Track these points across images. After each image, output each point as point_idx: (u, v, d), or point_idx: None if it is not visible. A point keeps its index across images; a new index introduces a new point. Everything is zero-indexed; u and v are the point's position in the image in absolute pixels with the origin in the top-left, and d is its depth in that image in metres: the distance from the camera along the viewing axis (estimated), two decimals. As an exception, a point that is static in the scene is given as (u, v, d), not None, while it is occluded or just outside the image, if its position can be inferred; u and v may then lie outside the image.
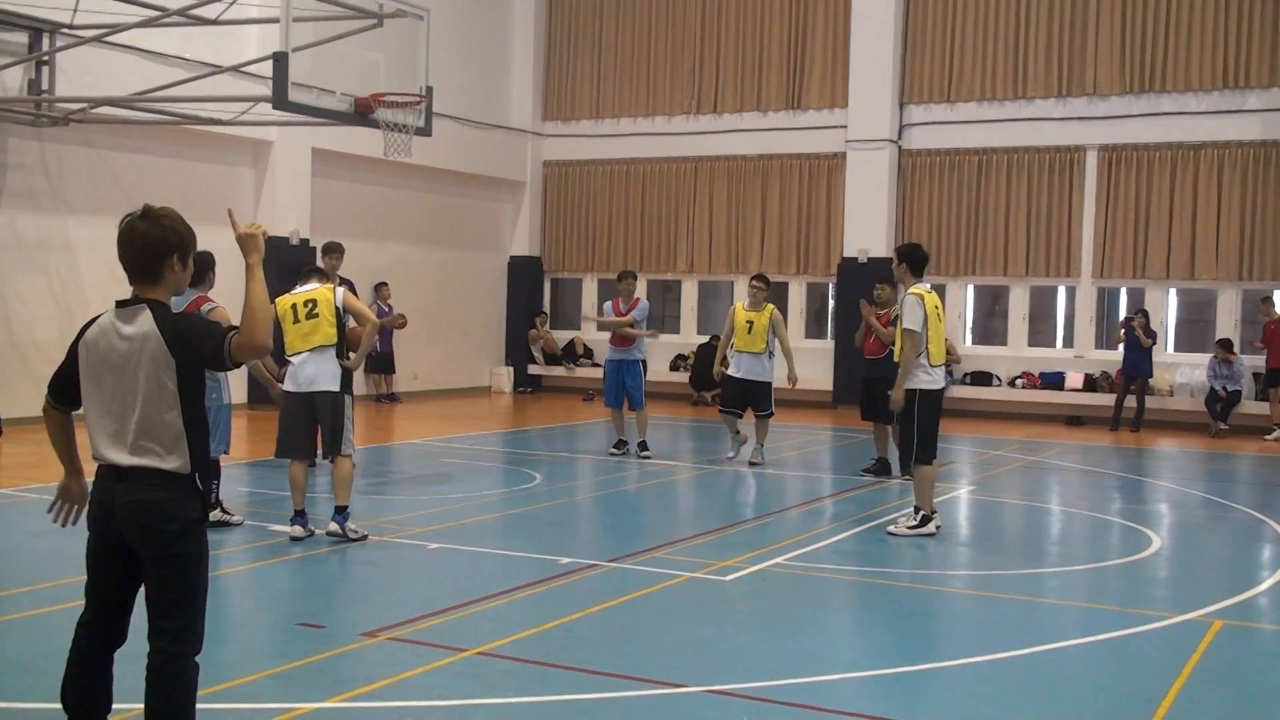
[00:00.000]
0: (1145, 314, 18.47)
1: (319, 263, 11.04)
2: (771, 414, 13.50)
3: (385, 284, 19.76)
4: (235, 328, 4.14)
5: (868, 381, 12.82)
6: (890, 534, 9.42)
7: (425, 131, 13.47)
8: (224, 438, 9.08)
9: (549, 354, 23.33)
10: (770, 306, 13.47)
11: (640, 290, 23.01)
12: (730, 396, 13.56)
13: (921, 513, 9.44)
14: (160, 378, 4.08)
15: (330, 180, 19.38)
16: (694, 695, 5.58)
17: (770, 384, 13.41)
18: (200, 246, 8.39)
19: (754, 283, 13.54)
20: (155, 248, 4.13)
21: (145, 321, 4.10)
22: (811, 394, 21.09)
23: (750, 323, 13.31)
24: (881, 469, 12.81)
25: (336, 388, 8.72)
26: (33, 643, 6.19)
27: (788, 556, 8.66)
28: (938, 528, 9.48)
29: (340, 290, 8.85)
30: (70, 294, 15.63)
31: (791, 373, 13.51)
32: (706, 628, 6.78)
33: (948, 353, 10.50)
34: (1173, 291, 19.98)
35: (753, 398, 13.42)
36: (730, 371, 13.53)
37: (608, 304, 14.10)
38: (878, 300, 12.94)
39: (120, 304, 4.18)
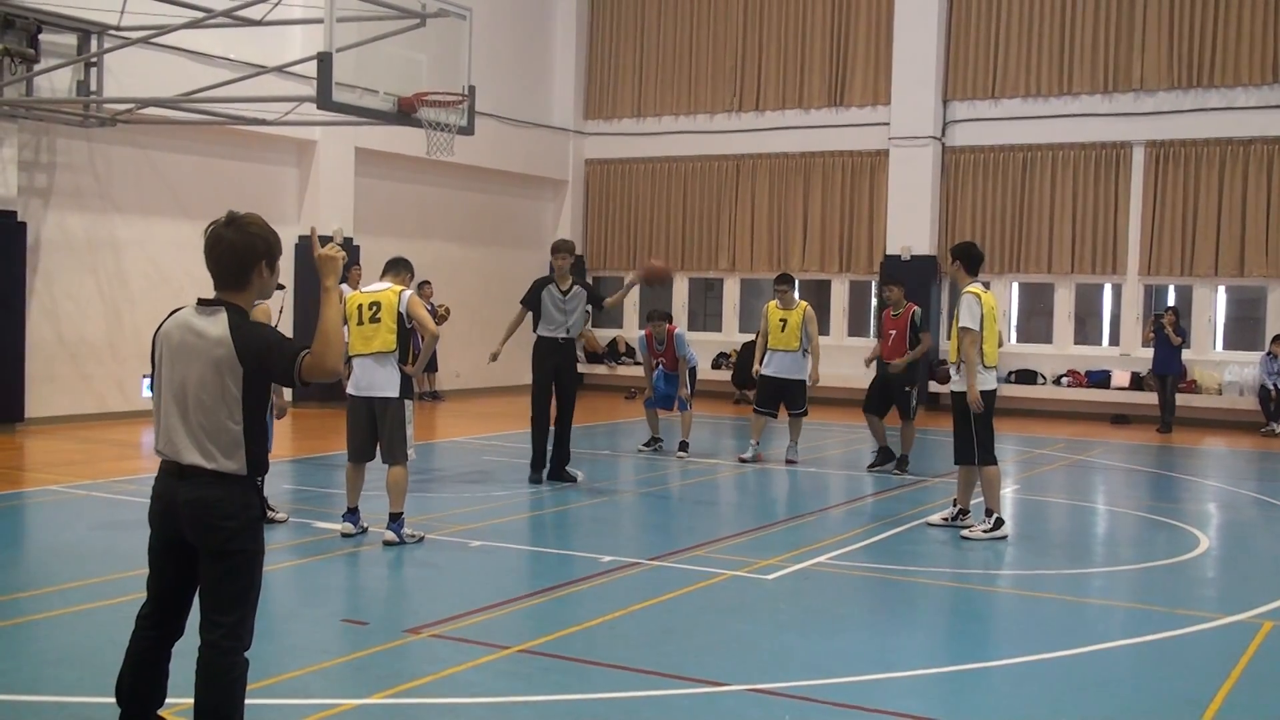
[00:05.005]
0: (1175, 311, 18.21)
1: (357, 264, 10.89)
2: (805, 413, 13.47)
3: (428, 282, 19.80)
4: (308, 347, 4.14)
5: (884, 378, 13.05)
6: (964, 538, 9.28)
7: (468, 130, 13.53)
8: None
9: (591, 352, 23.34)
10: (803, 304, 13.46)
11: (681, 289, 23.16)
12: (766, 396, 13.52)
13: (995, 515, 9.36)
14: (225, 382, 4.13)
15: (373, 179, 19.50)
16: (736, 694, 5.57)
17: (805, 381, 13.38)
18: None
19: (778, 287, 13.52)
20: (242, 256, 4.19)
21: (220, 325, 4.14)
22: (852, 393, 20.97)
23: (784, 320, 13.29)
24: (885, 458, 12.94)
25: (395, 394, 8.59)
26: (83, 637, 6.27)
27: (829, 555, 8.63)
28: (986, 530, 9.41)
29: (407, 294, 8.67)
30: (117, 293, 15.82)
31: (814, 371, 13.38)
32: (748, 626, 6.78)
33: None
34: (1221, 289, 19.73)
35: (787, 396, 13.40)
36: (764, 370, 13.50)
37: (641, 339, 14.15)
38: (887, 300, 13.13)
39: (201, 302, 4.23)
